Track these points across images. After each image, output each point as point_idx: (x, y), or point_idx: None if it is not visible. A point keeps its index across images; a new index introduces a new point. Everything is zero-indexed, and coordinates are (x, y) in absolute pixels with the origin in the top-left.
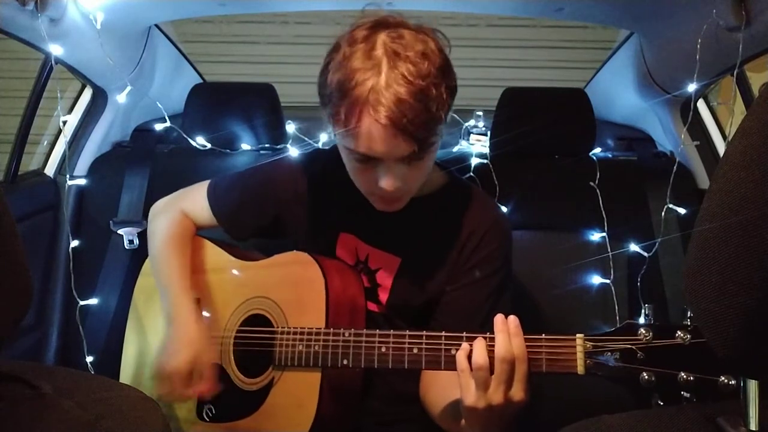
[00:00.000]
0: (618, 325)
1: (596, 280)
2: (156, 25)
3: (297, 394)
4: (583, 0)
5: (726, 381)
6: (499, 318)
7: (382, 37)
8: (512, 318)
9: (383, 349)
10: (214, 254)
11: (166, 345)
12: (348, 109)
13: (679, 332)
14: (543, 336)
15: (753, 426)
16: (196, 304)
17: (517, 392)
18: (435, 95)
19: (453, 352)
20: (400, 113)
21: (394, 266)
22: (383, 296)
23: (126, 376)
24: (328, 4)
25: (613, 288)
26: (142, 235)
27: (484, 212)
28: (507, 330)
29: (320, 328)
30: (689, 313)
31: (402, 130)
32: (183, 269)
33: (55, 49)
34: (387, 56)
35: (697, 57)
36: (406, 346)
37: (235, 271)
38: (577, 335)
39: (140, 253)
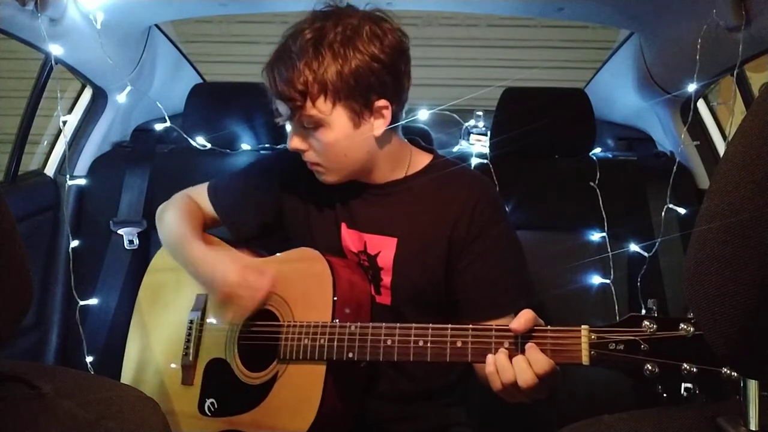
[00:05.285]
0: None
1: (596, 280)
2: (156, 25)
3: (300, 388)
4: (583, 0)
5: (728, 372)
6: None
7: (314, 23)
8: (527, 324)
9: (389, 342)
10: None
11: (210, 278)
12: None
13: (682, 324)
14: (548, 327)
15: (753, 426)
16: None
17: (542, 392)
18: (299, 68)
19: (459, 344)
20: (271, 77)
21: (392, 247)
22: (387, 279)
23: (128, 372)
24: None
25: (613, 288)
26: (142, 235)
27: (470, 184)
28: (526, 359)
29: (326, 322)
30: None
31: (274, 91)
32: (194, 228)
33: (55, 49)
34: (291, 35)
35: (697, 57)
36: (412, 338)
37: None
38: (582, 326)
39: (140, 253)
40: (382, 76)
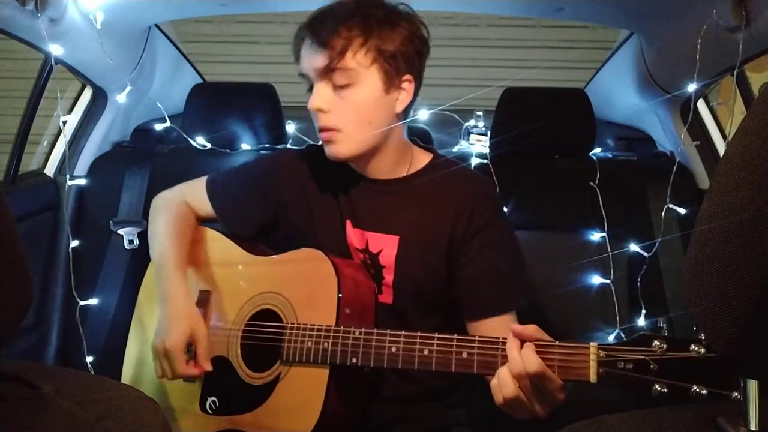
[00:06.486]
0: (618, 325)
1: (596, 280)
2: (156, 25)
3: (303, 391)
4: (583, 0)
5: (739, 396)
6: (511, 339)
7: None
8: (527, 330)
9: (393, 349)
10: (226, 248)
11: (160, 324)
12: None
13: (693, 345)
14: (556, 343)
15: (753, 426)
16: (186, 280)
17: (540, 407)
18: (346, 22)
19: (464, 355)
20: (313, 29)
21: (394, 245)
22: (389, 278)
23: (128, 371)
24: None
25: (613, 288)
26: (142, 235)
27: (469, 185)
28: (517, 346)
29: (330, 326)
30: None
31: (317, 39)
32: (179, 250)
33: (55, 49)
34: (335, 1)
35: (697, 57)
36: (417, 347)
37: (247, 266)
38: (591, 344)
39: (140, 253)
40: (413, 53)
